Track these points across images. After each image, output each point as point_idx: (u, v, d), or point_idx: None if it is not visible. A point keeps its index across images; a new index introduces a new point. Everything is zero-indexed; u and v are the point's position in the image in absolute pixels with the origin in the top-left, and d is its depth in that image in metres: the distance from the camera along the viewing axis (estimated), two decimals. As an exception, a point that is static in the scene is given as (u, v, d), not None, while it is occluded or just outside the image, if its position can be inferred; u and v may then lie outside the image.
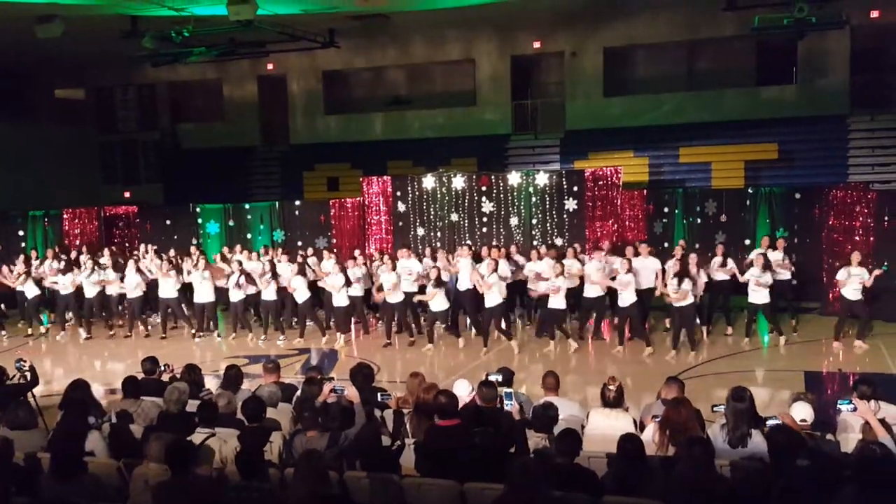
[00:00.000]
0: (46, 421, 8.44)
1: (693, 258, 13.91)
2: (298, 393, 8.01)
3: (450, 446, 6.09)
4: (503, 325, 13.95)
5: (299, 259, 16.27)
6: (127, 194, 26.05)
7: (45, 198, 21.55)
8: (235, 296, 15.29)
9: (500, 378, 7.60)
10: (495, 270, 13.74)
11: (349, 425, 6.66)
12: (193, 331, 15.68)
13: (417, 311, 15.19)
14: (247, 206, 20.40)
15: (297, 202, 20.69)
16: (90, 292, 15.92)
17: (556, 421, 6.68)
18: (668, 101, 22.53)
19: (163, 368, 9.16)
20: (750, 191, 17.51)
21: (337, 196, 21.53)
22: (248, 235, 19.77)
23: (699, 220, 17.27)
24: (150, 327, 16.31)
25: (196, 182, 24.57)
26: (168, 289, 15.48)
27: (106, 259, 16.68)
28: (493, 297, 13.62)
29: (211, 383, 9.70)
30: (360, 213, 19.31)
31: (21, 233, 19.52)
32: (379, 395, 7.75)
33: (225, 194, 21.97)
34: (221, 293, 15.78)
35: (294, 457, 6.20)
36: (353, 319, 15.35)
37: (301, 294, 14.82)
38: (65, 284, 16.06)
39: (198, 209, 20.35)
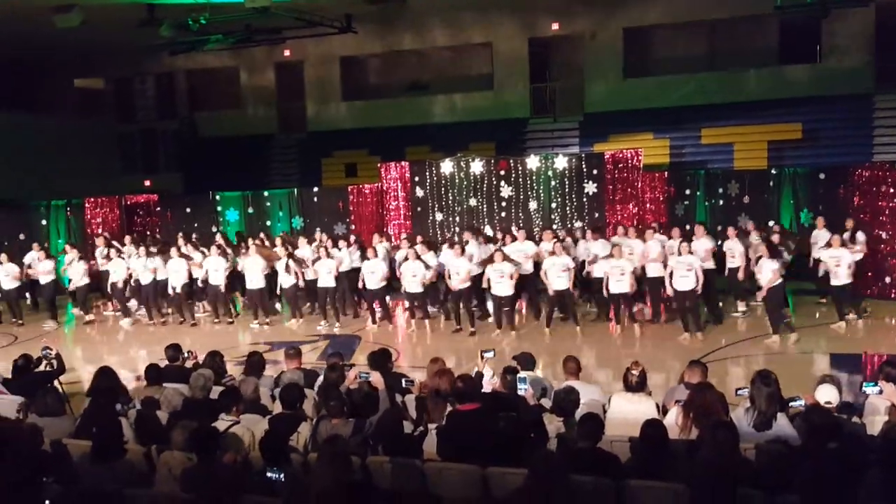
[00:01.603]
0: (73, 408, 8.50)
1: (776, 237, 13.62)
2: (320, 379, 8.03)
3: (470, 430, 6.09)
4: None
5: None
6: (147, 183, 26.19)
7: (66, 187, 21.72)
8: (286, 281, 15.13)
9: (492, 355, 7.74)
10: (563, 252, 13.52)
11: (373, 411, 6.67)
12: (225, 319, 15.69)
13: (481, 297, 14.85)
14: (266, 194, 20.46)
15: (316, 189, 20.73)
16: (145, 279, 15.79)
17: (578, 405, 6.66)
18: (690, 81, 22.34)
19: (186, 355, 9.21)
20: (773, 171, 17.34)
21: (355, 182, 21.56)
22: (268, 223, 19.82)
23: (721, 202, 17.13)
24: (196, 315, 16.23)
25: (215, 170, 24.67)
26: (217, 276, 15.43)
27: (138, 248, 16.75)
28: (562, 280, 13.40)
29: (235, 370, 9.74)
30: (378, 199, 19.32)
31: (44, 222, 19.69)
32: (403, 381, 7.76)
33: (243, 182, 22.03)
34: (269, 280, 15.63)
35: (319, 443, 6.21)
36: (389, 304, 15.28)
37: (374, 280, 14.55)
38: (116, 270, 16.02)
39: (217, 197, 20.44)
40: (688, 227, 14.90)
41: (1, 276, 16.23)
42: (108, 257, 16.43)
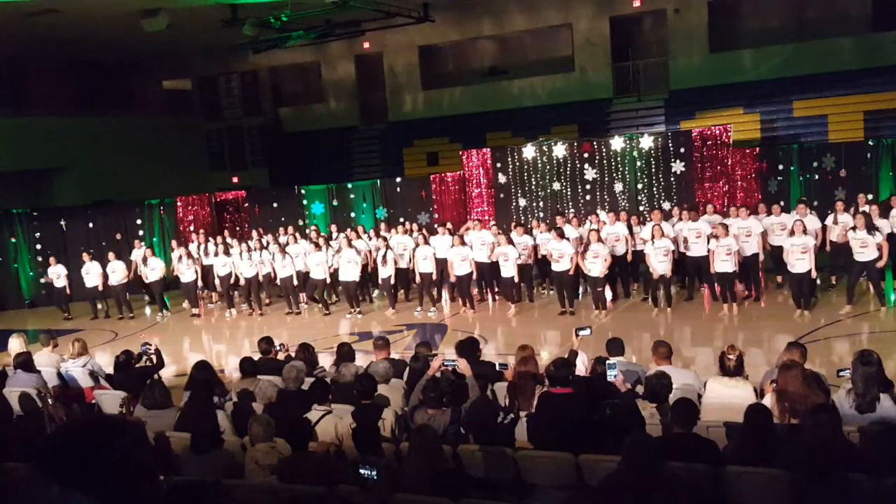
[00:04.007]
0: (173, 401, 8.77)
1: (875, 209, 13.20)
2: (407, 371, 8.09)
3: (561, 414, 6.04)
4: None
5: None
6: (235, 179, 26.84)
7: (159, 186, 22.42)
8: (384, 272, 15.28)
9: (588, 332, 7.78)
10: (662, 235, 13.35)
11: (463, 400, 6.67)
12: (322, 310, 15.93)
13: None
14: (349, 186, 20.69)
15: (398, 179, 20.85)
16: (249, 273, 16.29)
17: (670, 390, 6.52)
18: (779, 53, 21.55)
19: (278, 348, 9.40)
20: (871, 143, 16.63)
21: (437, 171, 21.58)
22: (352, 214, 20.04)
23: (817, 177, 16.51)
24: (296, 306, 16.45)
25: (299, 164, 25.11)
26: (318, 270, 15.68)
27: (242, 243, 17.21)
28: (663, 264, 13.29)
29: (325, 361, 9.89)
30: (460, 187, 19.30)
31: (139, 221, 20.37)
32: (497, 364, 7.76)
33: (327, 175, 22.33)
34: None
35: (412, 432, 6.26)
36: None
37: (460, 267, 14.72)
38: (223, 265, 16.62)
39: (303, 191, 20.77)
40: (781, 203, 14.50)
41: (108, 273, 17.05)
42: (214, 253, 16.97)
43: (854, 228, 12.26)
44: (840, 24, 21.32)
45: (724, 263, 12.78)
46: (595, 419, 6.03)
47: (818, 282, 13.74)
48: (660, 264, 13.25)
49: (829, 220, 13.65)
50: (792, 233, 12.47)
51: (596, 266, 13.47)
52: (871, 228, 12.10)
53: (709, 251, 13.02)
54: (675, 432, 5.57)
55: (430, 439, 5.42)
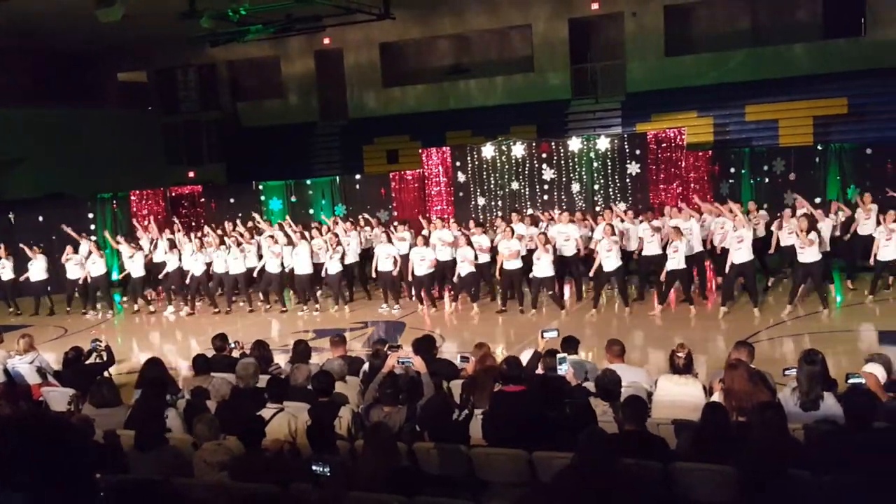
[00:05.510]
0: (124, 398, 8.66)
1: (819, 213, 13.52)
2: (365, 366, 8.09)
3: (515, 411, 6.10)
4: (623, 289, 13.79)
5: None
6: (191, 174, 26.51)
7: (112, 180, 22.03)
8: (333, 267, 15.22)
9: (554, 335, 7.76)
10: (613, 234, 13.48)
11: (418, 396, 6.70)
12: (278, 307, 15.86)
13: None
14: (308, 182, 20.58)
15: (358, 176, 20.82)
16: (198, 269, 15.99)
17: (619, 386, 6.61)
18: (733, 58, 21.98)
19: (233, 345, 9.33)
20: (819, 148, 17.02)
21: (397, 169, 21.56)
22: (311, 211, 19.95)
23: (767, 180, 16.87)
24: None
25: (258, 160, 24.90)
26: (272, 264, 15.55)
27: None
28: (612, 261, 13.39)
29: (280, 358, 9.86)
30: (420, 185, 19.32)
31: (90, 215, 20.01)
32: (458, 356, 7.86)
33: (286, 171, 22.19)
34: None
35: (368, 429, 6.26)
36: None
37: (419, 265, 14.67)
38: (171, 261, 16.27)
39: (260, 187, 20.62)
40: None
41: (69, 266, 16.75)
42: (156, 246, 16.71)
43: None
44: (792, 31, 21.80)
45: (672, 262, 13.06)
46: (550, 416, 6.11)
47: (770, 284, 14.09)
48: (606, 261, 13.38)
49: (775, 226, 14.07)
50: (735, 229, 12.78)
51: (540, 268, 13.53)
52: (811, 230, 12.44)
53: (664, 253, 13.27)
54: (626, 429, 5.66)
55: (386, 437, 5.43)
